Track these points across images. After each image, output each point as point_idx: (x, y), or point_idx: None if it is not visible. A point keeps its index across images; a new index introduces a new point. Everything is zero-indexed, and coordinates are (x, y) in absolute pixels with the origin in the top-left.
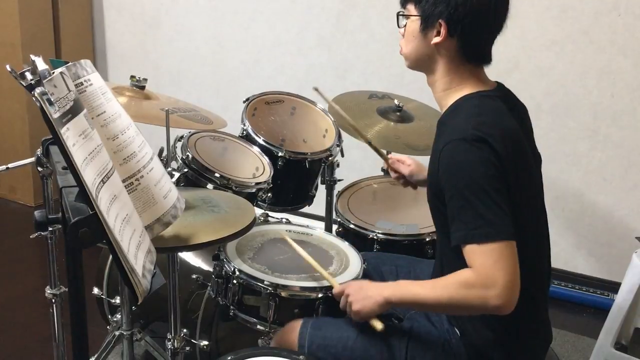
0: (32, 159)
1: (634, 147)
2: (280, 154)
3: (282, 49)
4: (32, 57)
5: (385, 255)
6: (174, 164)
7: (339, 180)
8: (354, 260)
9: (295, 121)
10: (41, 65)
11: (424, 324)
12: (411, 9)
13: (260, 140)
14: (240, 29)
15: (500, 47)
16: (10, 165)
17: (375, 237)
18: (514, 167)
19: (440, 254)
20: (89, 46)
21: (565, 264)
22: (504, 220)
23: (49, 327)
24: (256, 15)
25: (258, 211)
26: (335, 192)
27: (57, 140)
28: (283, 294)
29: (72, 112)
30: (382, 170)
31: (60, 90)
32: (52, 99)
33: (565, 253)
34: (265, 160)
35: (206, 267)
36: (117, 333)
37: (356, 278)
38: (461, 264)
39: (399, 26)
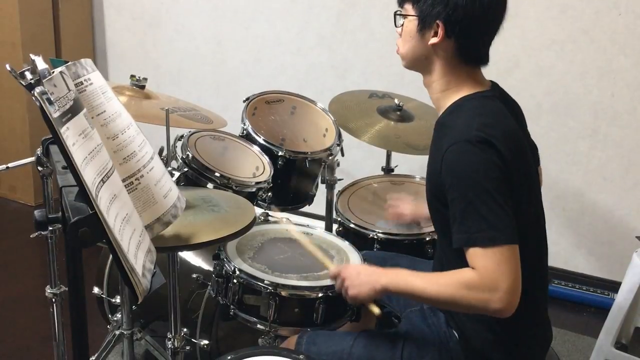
0: (32, 159)
1: (634, 146)
2: (280, 153)
3: (283, 49)
4: (32, 56)
5: (385, 254)
6: (174, 164)
7: (339, 179)
8: (354, 260)
9: (296, 120)
10: (41, 64)
11: (421, 327)
12: (409, 8)
13: (261, 140)
14: (240, 29)
15: (501, 46)
16: (10, 165)
17: (375, 237)
18: (517, 168)
19: (440, 254)
20: (89, 45)
21: (565, 263)
22: (507, 223)
23: (49, 326)
24: (256, 15)
25: (258, 210)
26: (336, 191)
27: (57, 140)
28: (283, 293)
29: (72, 111)
30: (382, 169)
31: (60, 90)
32: (51, 99)
33: (566, 252)
34: (266, 159)
35: (206, 266)
36: (117, 332)
37: None
38: (462, 264)
39: (396, 25)
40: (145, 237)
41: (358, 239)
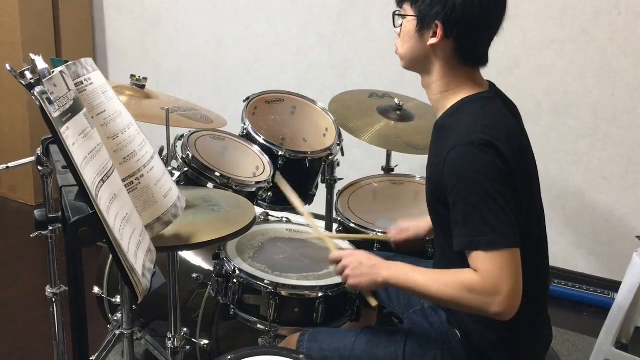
0: (33, 158)
1: (634, 145)
2: (280, 153)
3: (283, 48)
4: (32, 56)
5: (385, 254)
6: (174, 163)
7: (340, 179)
8: None
9: (296, 120)
10: (41, 64)
11: (423, 325)
12: (407, 8)
13: (261, 139)
14: (240, 28)
15: (501, 46)
16: (10, 165)
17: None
18: (519, 168)
19: (439, 254)
20: (89, 45)
21: (565, 263)
22: (510, 227)
23: (49, 326)
24: (256, 14)
25: (258, 210)
26: (336, 191)
27: (57, 140)
28: (283, 293)
29: (72, 111)
30: (383, 169)
31: (60, 89)
32: (51, 98)
33: (566, 252)
34: (266, 159)
35: (206, 266)
36: (117, 332)
37: None
38: (463, 264)
39: (395, 26)
40: (145, 236)
41: None
